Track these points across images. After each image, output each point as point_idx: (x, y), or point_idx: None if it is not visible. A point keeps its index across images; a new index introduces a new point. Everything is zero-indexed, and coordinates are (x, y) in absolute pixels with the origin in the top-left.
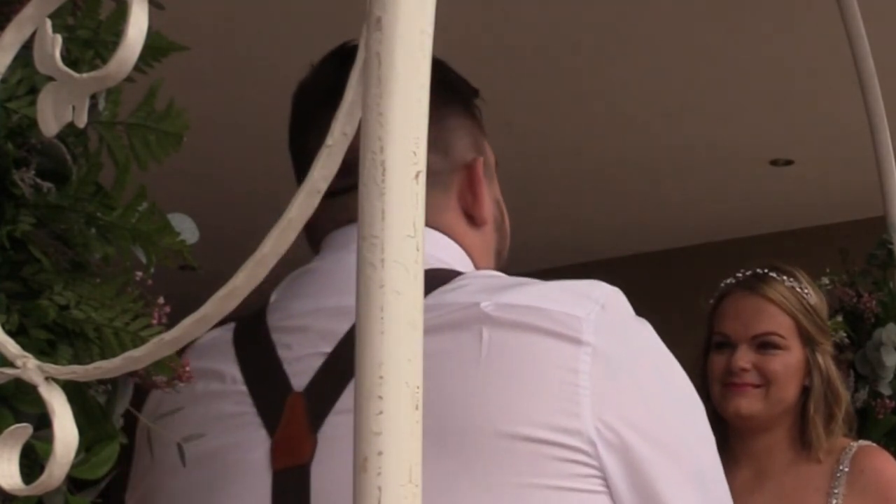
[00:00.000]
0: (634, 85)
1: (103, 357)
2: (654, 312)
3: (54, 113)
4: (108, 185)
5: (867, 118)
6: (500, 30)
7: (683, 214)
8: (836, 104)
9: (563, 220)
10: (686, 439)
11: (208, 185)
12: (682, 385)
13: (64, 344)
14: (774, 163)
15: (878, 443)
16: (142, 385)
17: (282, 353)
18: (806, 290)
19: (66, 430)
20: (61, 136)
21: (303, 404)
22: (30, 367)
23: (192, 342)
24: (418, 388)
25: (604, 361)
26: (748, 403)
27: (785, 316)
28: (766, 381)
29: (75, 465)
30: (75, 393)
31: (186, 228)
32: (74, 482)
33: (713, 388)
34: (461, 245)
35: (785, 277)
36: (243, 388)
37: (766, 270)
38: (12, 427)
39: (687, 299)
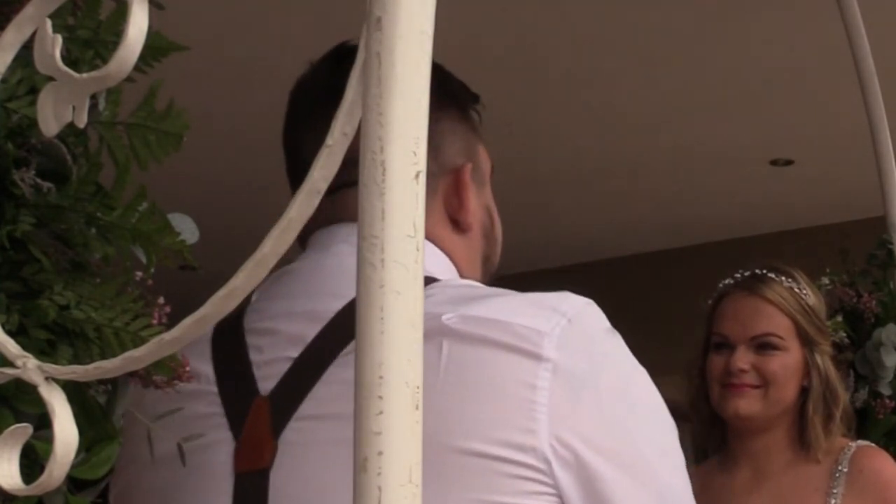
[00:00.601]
0: (634, 85)
1: (103, 357)
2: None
3: (54, 113)
4: (108, 185)
5: (867, 118)
6: (499, 30)
7: (683, 214)
8: (836, 104)
9: (562, 220)
10: (648, 458)
11: (208, 185)
12: (649, 403)
13: (64, 344)
14: (774, 163)
15: (878, 443)
16: (142, 385)
17: (253, 355)
18: (804, 291)
19: (66, 430)
20: (61, 136)
21: (267, 408)
22: (30, 367)
23: None
24: (418, 388)
25: (564, 378)
26: (747, 404)
27: (783, 317)
28: (765, 382)
29: (75, 465)
30: (75, 393)
31: (186, 228)
32: (74, 482)
33: (712, 388)
34: (444, 250)
35: (783, 278)
36: (215, 388)
37: (764, 271)
38: (12, 427)
39: (687, 299)
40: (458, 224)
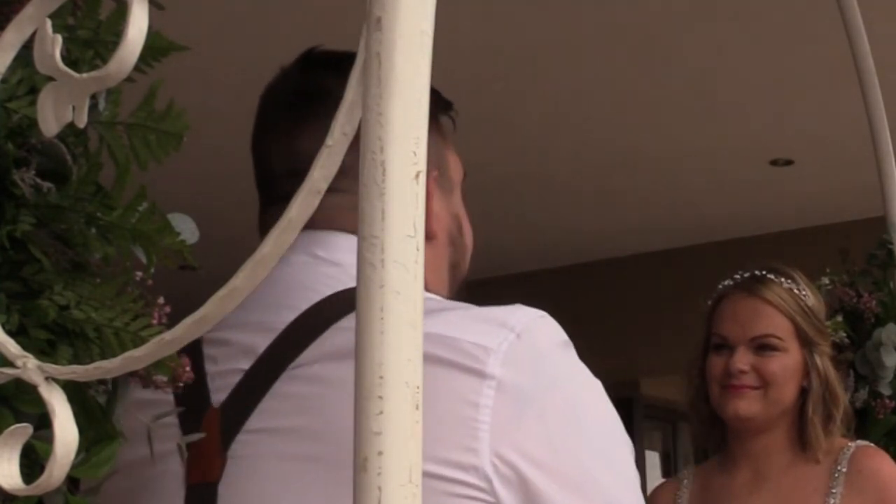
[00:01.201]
0: (634, 85)
1: (103, 357)
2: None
3: (54, 113)
4: (108, 185)
5: (867, 118)
6: (499, 30)
7: (684, 214)
8: (836, 104)
9: (563, 221)
10: (596, 475)
11: (208, 185)
12: (602, 419)
13: (64, 344)
14: (774, 163)
15: (878, 443)
16: (142, 385)
17: (208, 366)
18: (804, 292)
19: (66, 430)
20: (61, 136)
21: (218, 420)
22: (30, 367)
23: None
24: (418, 388)
25: (509, 395)
26: (747, 405)
27: (783, 318)
28: (765, 383)
29: (75, 465)
30: (75, 393)
31: (186, 228)
32: (74, 482)
33: (712, 389)
34: None
35: (783, 279)
36: (171, 398)
37: (763, 272)
38: (12, 427)
39: (687, 299)
40: None
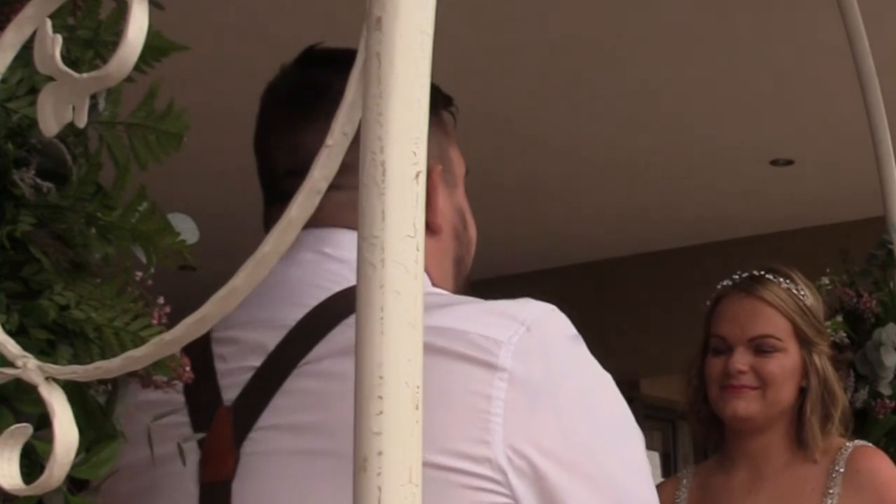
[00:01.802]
0: (634, 85)
1: (103, 357)
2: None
3: (54, 113)
4: (108, 185)
5: (867, 118)
6: (499, 30)
7: (684, 214)
8: (836, 104)
9: (563, 221)
10: (608, 467)
11: (208, 185)
12: (612, 411)
13: (64, 344)
14: (774, 163)
15: (879, 443)
16: (142, 385)
17: (218, 364)
18: (802, 292)
19: (66, 430)
20: (61, 136)
21: (229, 418)
22: (30, 367)
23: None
24: (418, 388)
25: (521, 387)
26: (746, 405)
27: (781, 318)
28: (763, 383)
29: (75, 465)
30: (75, 393)
31: (186, 228)
32: (74, 482)
33: (711, 390)
34: None
35: (781, 279)
36: (181, 397)
37: (762, 272)
38: (12, 427)
39: (687, 299)
40: (427, 226)
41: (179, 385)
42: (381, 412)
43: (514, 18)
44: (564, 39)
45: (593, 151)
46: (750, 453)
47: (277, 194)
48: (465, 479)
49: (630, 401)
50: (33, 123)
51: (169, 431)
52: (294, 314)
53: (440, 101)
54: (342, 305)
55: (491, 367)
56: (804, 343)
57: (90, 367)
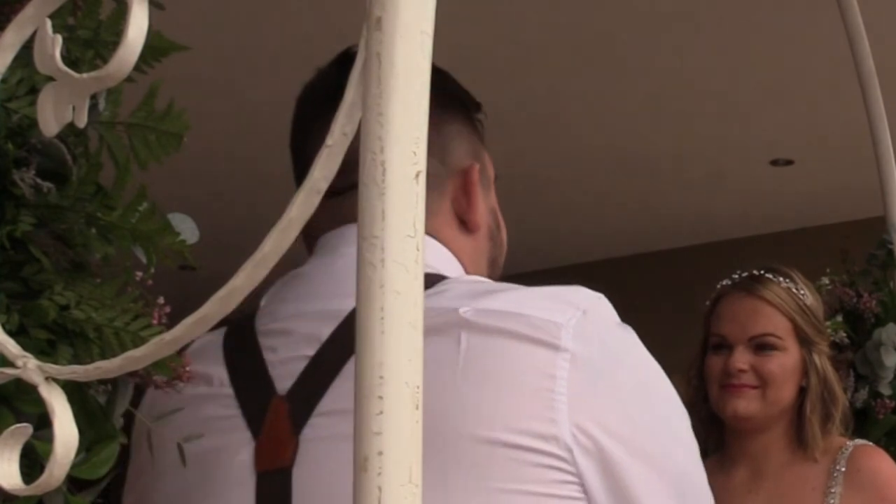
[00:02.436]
0: (634, 85)
1: (103, 357)
2: (654, 312)
3: (54, 113)
4: (108, 185)
5: (867, 118)
6: (499, 30)
7: (684, 214)
8: (836, 104)
9: (563, 221)
10: (665, 446)
11: (208, 185)
12: (665, 393)
13: (64, 344)
14: (774, 163)
15: (879, 443)
16: (142, 385)
17: (267, 356)
18: (802, 291)
19: (66, 430)
20: (61, 136)
21: (286, 407)
22: (30, 367)
23: (187, 345)
24: (418, 387)
25: (582, 367)
26: (746, 404)
27: (781, 317)
28: (764, 382)
29: (75, 465)
30: (75, 393)
31: (186, 228)
32: (74, 482)
33: (711, 389)
34: (451, 249)
35: (781, 278)
36: (230, 390)
37: (762, 272)
38: (12, 427)
39: (687, 299)
40: (465, 225)
41: (227, 379)
42: (381, 412)
43: (513, 19)
44: (564, 40)
45: (592, 151)
46: (750, 453)
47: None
48: (533, 456)
49: None
50: (33, 123)
51: (221, 424)
52: (346, 304)
53: (472, 105)
54: None
55: (554, 347)
56: (804, 342)
57: (90, 367)
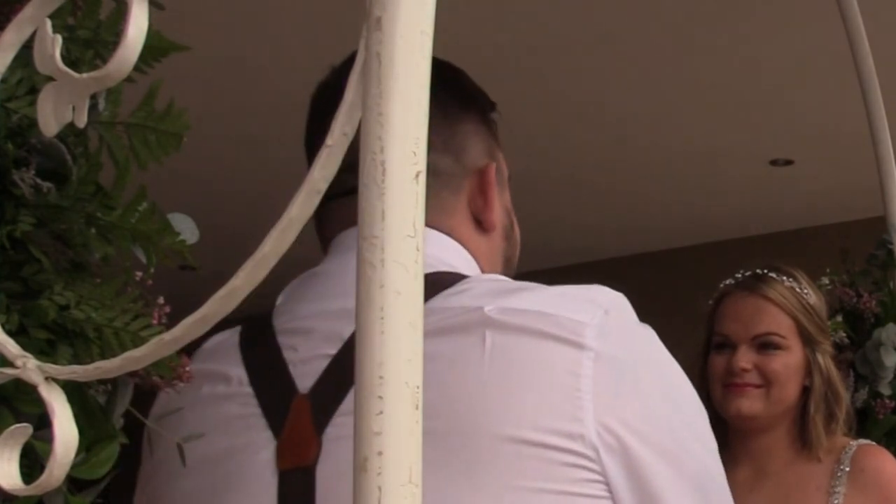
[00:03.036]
0: (634, 85)
1: (103, 357)
2: (655, 312)
3: (54, 113)
4: (108, 185)
5: (867, 118)
6: (498, 30)
7: (683, 214)
8: (836, 104)
9: (563, 221)
10: (688, 445)
11: (208, 185)
12: (685, 391)
13: (64, 344)
14: (774, 163)
15: (879, 443)
16: (142, 385)
17: (287, 355)
18: (805, 291)
19: (66, 430)
20: (61, 136)
21: (308, 406)
22: (30, 367)
23: (199, 345)
24: (418, 388)
25: (606, 366)
26: (749, 404)
27: (785, 316)
28: (767, 382)
29: (75, 465)
30: (75, 393)
31: (186, 228)
32: (74, 482)
33: (714, 388)
34: (467, 248)
35: (784, 278)
36: (249, 389)
37: (765, 271)
38: (12, 427)
39: (687, 299)
40: (481, 224)
41: (245, 378)
42: (381, 412)
43: (513, 19)
44: (564, 40)
45: (592, 152)
46: (753, 452)
47: (334, 190)
48: (560, 455)
49: None
50: (33, 123)
51: (240, 423)
52: None
53: (487, 105)
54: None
55: (578, 346)
56: (808, 341)
57: (90, 367)
